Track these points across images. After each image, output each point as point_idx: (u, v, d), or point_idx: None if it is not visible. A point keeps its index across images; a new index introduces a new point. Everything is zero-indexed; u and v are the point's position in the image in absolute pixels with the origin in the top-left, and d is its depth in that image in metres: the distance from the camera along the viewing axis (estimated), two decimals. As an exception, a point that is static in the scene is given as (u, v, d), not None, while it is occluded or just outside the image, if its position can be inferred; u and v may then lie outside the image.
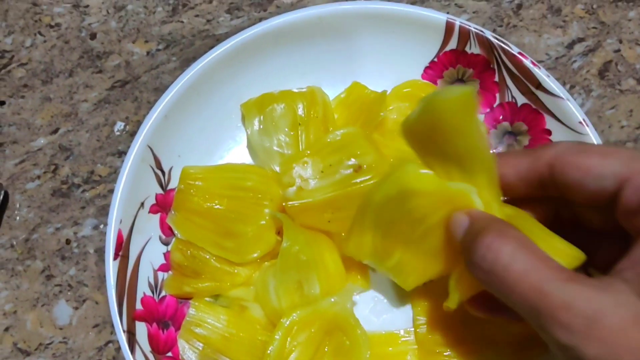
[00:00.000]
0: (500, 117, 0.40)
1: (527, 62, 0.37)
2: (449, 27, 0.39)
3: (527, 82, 0.38)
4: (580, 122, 0.36)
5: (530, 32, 0.43)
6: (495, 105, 0.40)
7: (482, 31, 0.38)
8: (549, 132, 0.38)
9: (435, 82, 0.41)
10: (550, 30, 0.43)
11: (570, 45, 0.43)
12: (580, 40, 0.43)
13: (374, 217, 0.32)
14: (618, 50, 0.42)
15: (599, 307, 0.22)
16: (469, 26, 0.38)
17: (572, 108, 0.37)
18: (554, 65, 0.42)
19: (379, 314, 0.37)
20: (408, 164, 0.30)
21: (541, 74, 0.37)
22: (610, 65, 0.42)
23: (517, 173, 0.29)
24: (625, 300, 0.22)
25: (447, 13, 0.43)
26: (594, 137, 0.36)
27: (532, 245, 0.25)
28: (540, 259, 0.24)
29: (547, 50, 0.43)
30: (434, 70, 0.41)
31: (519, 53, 0.38)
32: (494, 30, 0.43)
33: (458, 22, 0.38)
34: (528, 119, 0.39)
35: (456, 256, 0.29)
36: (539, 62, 0.42)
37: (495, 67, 0.39)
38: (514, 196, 0.30)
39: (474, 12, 0.44)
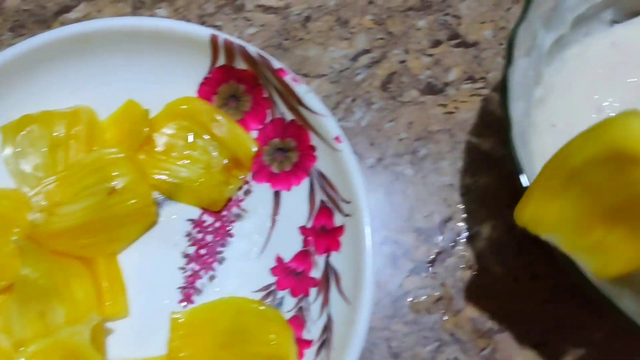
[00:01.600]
0: (272, 134, 0.39)
1: (287, 78, 0.37)
2: (214, 43, 0.38)
3: (291, 98, 0.37)
4: (336, 139, 0.36)
5: (316, 44, 0.42)
6: (267, 122, 0.39)
7: (244, 46, 0.37)
8: (314, 149, 0.37)
9: (209, 99, 0.40)
10: (336, 43, 0.42)
11: (355, 57, 0.42)
12: (366, 51, 0.42)
13: (568, 181, 0.25)
14: (403, 61, 0.42)
15: None
16: (233, 41, 0.37)
17: (328, 124, 0.36)
18: (337, 79, 0.42)
19: (137, 342, 0.36)
20: (631, 114, 0.22)
21: (301, 90, 0.36)
22: (393, 76, 0.41)
23: None
24: None
25: (235, 27, 0.43)
26: (348, 153, 0.35)
27: None
28: None
29: (332, 63, 0.42)
30: (208, 86, 0.40)
31: (280, 69, 0.37)
32: (280, 45, 0.42)
33: (222, 37, 0.37)
34: (296, 135, 0.38)
35: None
36: (322, 75, 0.42)
37: (263, 82, 0.38)
38: None
39: (261, 26, 0.43)
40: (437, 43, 0.42)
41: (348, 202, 0.35)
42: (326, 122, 0.36)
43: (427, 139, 0.40)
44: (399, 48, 0.42)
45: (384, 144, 0.40)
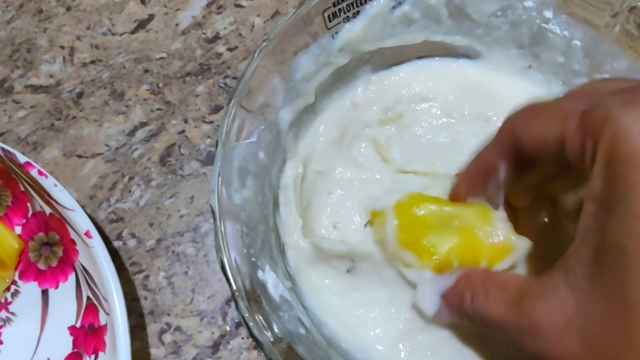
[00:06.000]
0: (36, 228, 0.37)
1: (33, 172, 0.34)
2: (-40, 140, 0.35)
3: (42, 192, 0.35)
4: (86, 233, 0.33)
5: (91, 122, 0.40)
6: (29, 216, 0.37)
7: (-13, 141, 0.35)
8: (75, 242, 0.35)
9: (-33, 196, 0.37)
10: (111, 118, 0.40)
11: (131, 133, 0.40)
12: (143, 125, 0.40)
13: None
14: (182, 131, 0.40)
15: (537, 319, 0.22)
16: (-23, 136, 0.35)
17: (78, 219, 0.34)
18: (113, 157, 0.39)
19: None
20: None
21: (47, 184, 0.34)
22: (172, 149, 0.39)
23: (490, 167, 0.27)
24: (558, 303, 0.22)
25: (5, 111, 0.40)
26: (100, 247, 0.33)
27: (485, 283, 0.26)
28: (494, 295, 0.25)
29: (107, 141, 0.40)
30: (-34, 183, 0.37)
31: (26, 163, 0.34)
32: (52, 125, 0.40)
33: (-35, 132, 0.35)
34: (58, 228, 0.36)
35: None
36: (98, 155, 0.39)
37: (16, 177, 0.36)
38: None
39: (32, 107, 0.41)
40: (217, 109, 0.40)
41: (106, 300, 0.33)
42: (76, 216, 0.34)
43: (208, 213, 0.38)
44: (178, 117, 0.40)
45: (164, 222, 0.38)
